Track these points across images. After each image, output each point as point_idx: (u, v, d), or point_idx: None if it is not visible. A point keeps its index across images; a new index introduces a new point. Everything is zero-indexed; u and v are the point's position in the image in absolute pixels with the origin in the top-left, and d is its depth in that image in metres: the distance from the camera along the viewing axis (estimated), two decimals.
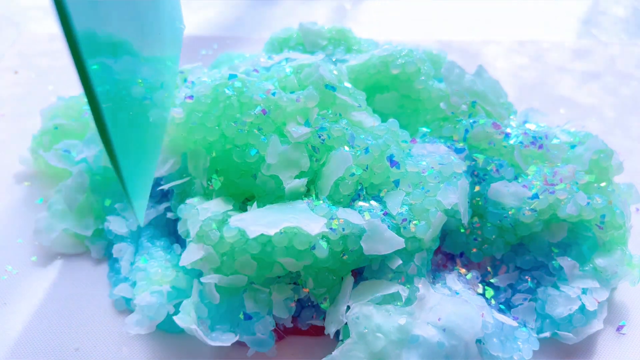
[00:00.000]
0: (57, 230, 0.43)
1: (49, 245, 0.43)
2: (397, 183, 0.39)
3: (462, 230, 0.41)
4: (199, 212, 0.37)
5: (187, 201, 0.40)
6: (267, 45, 0.55)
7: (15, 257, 0.43)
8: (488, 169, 0.42)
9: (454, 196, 0.38)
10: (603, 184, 0.41)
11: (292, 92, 0.42)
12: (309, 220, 0.35)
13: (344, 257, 0.37)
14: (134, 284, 0.40)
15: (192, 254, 0.37)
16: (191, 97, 0.40)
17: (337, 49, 0.52)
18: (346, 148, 0.39)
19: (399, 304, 0.36)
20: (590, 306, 0.37)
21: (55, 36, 0.67)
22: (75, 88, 0.58)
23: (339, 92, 0.42)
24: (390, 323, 0.34)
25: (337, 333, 0.37)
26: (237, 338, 0.36)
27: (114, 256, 0.42)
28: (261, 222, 0.35)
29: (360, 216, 0.37)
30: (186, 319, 0.36)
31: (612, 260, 0.39)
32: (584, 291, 0.38)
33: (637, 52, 0.67)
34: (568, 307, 0.37)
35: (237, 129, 0.39)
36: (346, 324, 0.36)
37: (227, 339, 0.36)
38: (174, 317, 0.36)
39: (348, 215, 0.36)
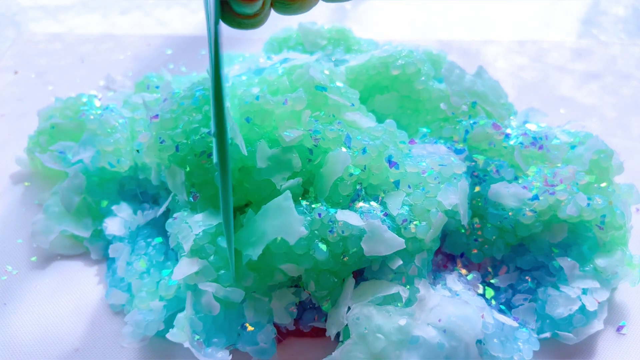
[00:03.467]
0: (55, 232, 0.43)
1: (48, 247, 0.43)
2: (397, 184, 0.39)
3: (462, 231, 0.41)
4: (191, 227, 0.37)
5: (175, 215, 0.39)
6: (267, 45, 0.55)
7: (15, 258, 0.43)
8: (488, 169, 0.42)
9: (454, 197, 0.38)
10: (603, 185, 0.41)
11: (282, 94, 0.41)
12: (291, 224, 0.35)
13: (345, 259, 0.36)
14: (129, 286, 0.40)
15: (185, 268, 0.36)
16: (156, 116, 0.40)
17: (337, 48, 0.52)
18: (343, 149, 0.39)
19: (399, 304, 0.36)
20: (591, 306, 0.37)
21: (54, 36, 0.67)
22: (74, 88, 0.58)
23: (330, 93, 0.41)
24: (391, 324, 0.34)
25: (338, 334, 0.37)
26: (230, 357, 0.35)
27: (110, 256, 0.42)
28: (249, 242, 0.35)
29: (360, 217, 0.36)
30: (180, 335, 0.35)
31: (612, 260, 0.39)
32: (584, 291, 0.38)
33: (637, 52, 0.67)
34: (568, 307, 0.37)
35: (208, 142, 0.38)
36: (347, 325, 0.36)
37: (222, 357, 0.35)
38: (167, 336, 0.36)
39: (347, 217, 0.36)
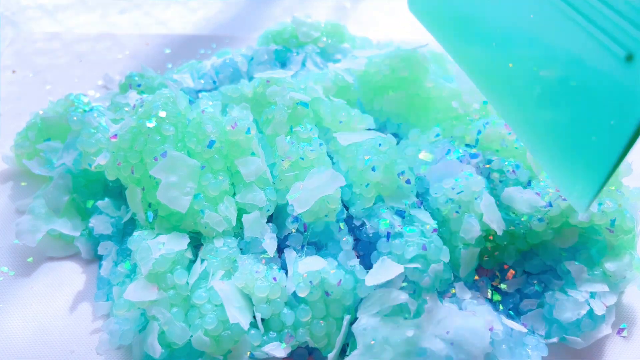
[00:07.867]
0: (42, 231, 0.42)
1: (35, 246, 0.42)
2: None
3: None
4: (151, 248, 0.36)
5: (135, 233, 0.39)
6: (261, 38, 0.56)
7: (11, 258, 0.42)
8: (504, 170, 0.41)
9: (477, 227, 0.37)
10: (612, 188, 0.40)
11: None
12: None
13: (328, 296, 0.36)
14: (120, 284, 0.39)
15: (141, 292, 0.35)
16: (115, 136, 0.40)
17: (331, 39, 0.53)
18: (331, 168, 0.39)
19: (407, 316, 0.35)
20: (599, 310, 0.37)
21: (53, 35, 0.66)
22: (72, 88, 0.57)
23: (312, 107, 0.41)
24: (398, 335, 0.34)
25: (344, 347, 0.36)
26: None
27: (99, 253, 0.42)
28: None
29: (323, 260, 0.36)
30: None
31: (621, 264, 0.38)
32: (592, 295, 0.37)
33: None
34: (576, 311, 0.37)
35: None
36: (353, 336, 0.35)
37: None
38: None
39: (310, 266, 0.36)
